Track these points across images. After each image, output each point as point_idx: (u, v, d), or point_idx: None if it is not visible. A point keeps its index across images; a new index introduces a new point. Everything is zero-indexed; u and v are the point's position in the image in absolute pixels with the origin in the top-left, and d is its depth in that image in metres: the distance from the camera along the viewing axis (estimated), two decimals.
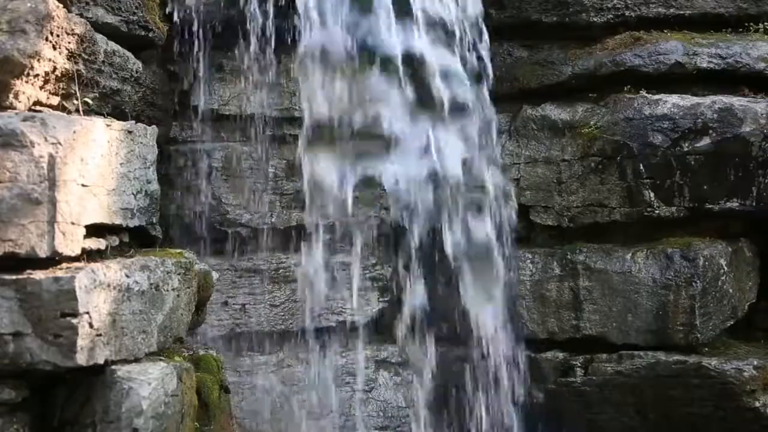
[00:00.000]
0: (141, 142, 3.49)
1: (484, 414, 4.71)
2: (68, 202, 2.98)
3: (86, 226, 3.08)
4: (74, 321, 2.87)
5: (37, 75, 3.22)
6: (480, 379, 4.72)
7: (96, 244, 3.17)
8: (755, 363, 4.52)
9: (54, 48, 3.27)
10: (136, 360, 3.15)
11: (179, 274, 3.44)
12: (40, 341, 2.87)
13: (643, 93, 4.70)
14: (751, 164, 4.55)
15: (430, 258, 4.70)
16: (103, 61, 3.66)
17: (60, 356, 2.88)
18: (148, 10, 4.08)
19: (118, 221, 3.31)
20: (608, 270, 4.66)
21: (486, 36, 4.73)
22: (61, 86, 3.38)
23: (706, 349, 4.61)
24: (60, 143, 2.95)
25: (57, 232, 2.94)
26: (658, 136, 4.58)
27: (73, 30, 3.38)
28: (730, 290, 4.66)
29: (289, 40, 4.45)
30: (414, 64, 4.57)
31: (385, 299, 4.81)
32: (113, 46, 3.77)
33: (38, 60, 3.19)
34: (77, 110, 3.42)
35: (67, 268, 2.96)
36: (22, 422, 2.99)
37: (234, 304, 4.54)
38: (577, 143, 4.77)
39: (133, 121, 3.52)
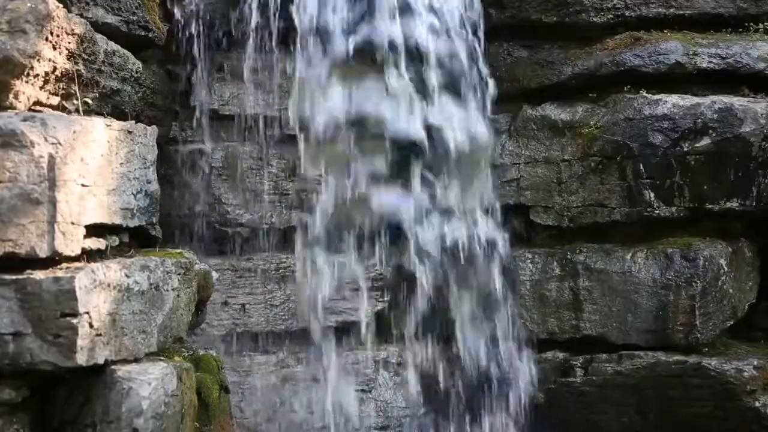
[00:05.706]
0: (141, 142, 3.48)
1: (483, 414, 4.72)
2: (68, 202, 2.98)
3: (86, 226, 3.08)
4: (74, 321, 2.87)
5: (37, 75, 3.22)
6: (479, 378, 4.73)
7: (96, 244, 3.17)
8: (755, 363, 4.53)
9: (54, 48, 3.26)
10: (136, 360, 3.15)
11: (179, 274, 3.43)
12: (40, 341, 2.87)
13: (643, 93, 4.70)
14: (751, 164, 4.55)
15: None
16: (103, 61, 3.66)
17: (60, 356, 2.88)
18: (148, 10, 4.08)
19: (118, 221, 3.31)
20: (608, 270, 4.66)
21: None
22: (61, 86, 3.38)
23: (706, 349, 4.62)
24: (60, 143, 2.95)
25: (57, 232, 2.94)
26: (658, 136, 4.58)
27: (73, 30, 3.38)
28: (730, 290, 4.66)
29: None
30: None
31: (385, 299, 4.80)
32: (113, 46, 3.77)
33: (38, 60, 3.19)
34: (77, 110, 3.42)
35: (67, 268, 2.96)
36: (22, 422, 2.99)
37: (234, 304, 4.54)
38: (577, 143, 4.77)
39: (133, 121, 3.52)
